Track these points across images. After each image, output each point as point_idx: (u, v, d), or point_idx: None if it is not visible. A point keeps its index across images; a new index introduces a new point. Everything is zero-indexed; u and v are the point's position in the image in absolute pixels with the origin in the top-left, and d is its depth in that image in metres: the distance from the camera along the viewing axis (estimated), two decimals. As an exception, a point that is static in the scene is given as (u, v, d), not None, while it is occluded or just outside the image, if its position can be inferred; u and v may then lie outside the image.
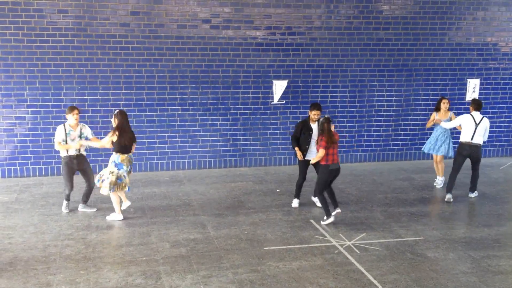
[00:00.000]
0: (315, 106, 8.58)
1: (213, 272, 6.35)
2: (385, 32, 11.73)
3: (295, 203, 8.88)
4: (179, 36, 10.79)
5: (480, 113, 9.31)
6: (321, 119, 7.99)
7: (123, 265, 6.52)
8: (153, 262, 6.61)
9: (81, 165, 8.39)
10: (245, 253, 6.92)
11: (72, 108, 8.24)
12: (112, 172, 7.96)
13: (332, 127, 7.97)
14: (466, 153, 9.27)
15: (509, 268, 6.59)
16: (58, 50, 10.30)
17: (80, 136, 8.25)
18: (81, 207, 8.57)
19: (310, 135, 8.55)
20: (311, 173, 8.99)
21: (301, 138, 8.61)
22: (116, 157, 7.99)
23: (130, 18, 10.53)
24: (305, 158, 8.61)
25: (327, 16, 11.39)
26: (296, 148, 8.62)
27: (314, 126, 8.59)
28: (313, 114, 8.54)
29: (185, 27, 10.79)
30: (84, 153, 8.51)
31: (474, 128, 9.16)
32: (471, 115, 9.24)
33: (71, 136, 8.19)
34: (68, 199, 8.51)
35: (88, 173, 8.47)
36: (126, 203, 8.22)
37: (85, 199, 8.57)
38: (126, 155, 8.03)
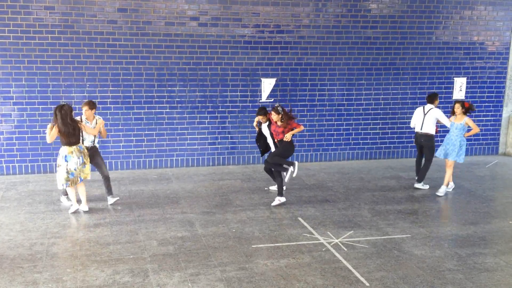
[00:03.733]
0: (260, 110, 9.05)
1: (201, 270, 6.34)
2: (373, 31, 11.78)
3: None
4: (167, 34, 10.75)
5: (436, 106, 9.93)
6: (279, 107, 8.57)
7: (110, 263, 6.49)
8: (141, 260, 6.58)
9: (92, 156, 8.51)
10: (233, 251, 6.91)
11: (83, 104, 8.56)
12: (60, 165, 8.10)
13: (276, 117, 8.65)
14: (416, 142, 10.11)
15: (495, 265, 6.65)
16: (44, 47, 10.23)
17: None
18: (109, 201, 8.70)
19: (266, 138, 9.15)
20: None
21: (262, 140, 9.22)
22: (61, 150, 8.12)
23: (118, 15, 10.47)
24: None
25: (315, 14, 11.41)
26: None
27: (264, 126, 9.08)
28: (261, 119, 9.02)
29: (173, 25, 10.75)
30: (97, 145, 8.67)
31: (422, 118, 9.85)
32: (423, 107, 9.96)
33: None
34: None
35: (99, 163, 8.62)
36: (83, 207, 8.37)
37: (108, 192, 8.73)
38: (74, 146, 8.08)
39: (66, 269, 6.31)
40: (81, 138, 8.30)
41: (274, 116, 8.59)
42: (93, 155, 8.54)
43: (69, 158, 8.07)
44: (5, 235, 7.32)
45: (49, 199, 8.92)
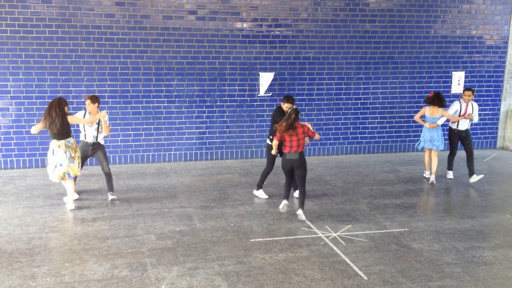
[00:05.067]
0: (289, 99, 8.60)
1: (199, 264, 6.35)
2: (371, 25, 11.75)
3: (262, 194, 9.01)
4: (164, 27, 10.72)
5: (467, 101, 10.04)
6: (290, 110, 8.02)
7: (109, 257, 6.49)
8: (139, 254, 6.58)
9: (94, 152, 8.49)
10: (231, 245, 6.92)
11: (86, 97, 8.45)
12: (48, 159, 8.05)
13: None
14: None
15: (492, 259, 6.67)
16: (42, 40, 10.19)
17: (98, 124, 8.35)
18: (109, 197, 8.58)
19: None
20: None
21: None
22: (51, 143, 8.05)
23: (115, 9, 10.43)
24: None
25: (313, 8, 11.38)
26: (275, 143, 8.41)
27: None
28: (286, 107, 8.54)
29: (171, 18, 10.72)
30: (102, 142, 8.51)
31: None
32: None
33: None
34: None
35: (100, 159, 8.53)
36: (69, 205, 8.20)
37: (109, 188, 8.62)
38: (62, 141, 7.98)
39: (64, 263, 6.31)
40: (70, 132, 8.10)
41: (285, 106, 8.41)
42: (96, 150, 8.47)
43: (56, 152, 7.97)
44: (3, 230, 7.31)
45: (47, 193, 8.91)
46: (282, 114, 8.55)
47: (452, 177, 10.25)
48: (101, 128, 8.42)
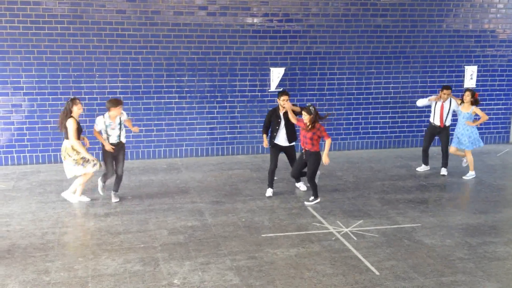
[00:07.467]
0: (283, 92, 8.69)
1: (211, 259, 6.37)
2: (382, 19, 11.68)
3: (269, 192, 8.83)
4: (175, 23, 10.73)
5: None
6: (311, 107, 8.05)
7: (121, 252, 6.54)
8: (151, 249, 6.62)
9: (118, 152, 8.30)
10: (243, 240, 6.94)
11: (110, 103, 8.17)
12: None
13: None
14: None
15: (505, 254, 6.63)
16: (54, 37, 10.24)
17: (120, 124, 8.22)
18: (112, 198, 8.42)
19: (278, 123, 8.67)
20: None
21: (271, 125, 8.78)
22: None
23: (127, 5, 10.46)
24: (275, 142, 8.76)
25: (324, 2, 11.33)
26: (264, 136, 8.80)
27: (282, 113, 8.75)
28: (282, 100, 8.58)
29: (181, 14, 10.73)
30: (124, 140, 8.37)
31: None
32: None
33: (111, 126, 8.18)
34: (104, 181, 8.47)
35: (118, 160, 8.35)
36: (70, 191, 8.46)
37: (114, 187, 8.48)
38: (66, 140, 8.09)
39: (77, 258, 6.36)
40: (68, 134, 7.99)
41: (305, 117, 8.04)
42: (119, 150, 8.31)
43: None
44: (17, 225, 7.38)
45: (60, 188, 8.97)
46: (273, 114, 8.76)
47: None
48: (122, 127, 8.28)
